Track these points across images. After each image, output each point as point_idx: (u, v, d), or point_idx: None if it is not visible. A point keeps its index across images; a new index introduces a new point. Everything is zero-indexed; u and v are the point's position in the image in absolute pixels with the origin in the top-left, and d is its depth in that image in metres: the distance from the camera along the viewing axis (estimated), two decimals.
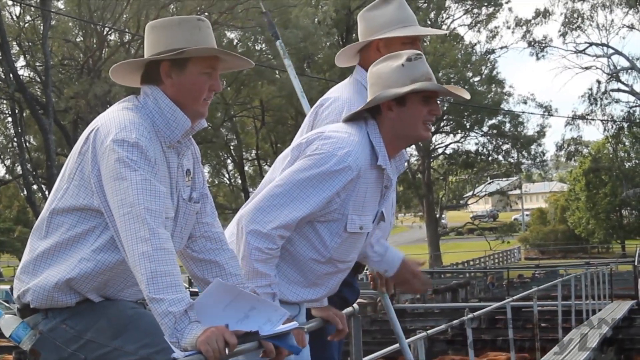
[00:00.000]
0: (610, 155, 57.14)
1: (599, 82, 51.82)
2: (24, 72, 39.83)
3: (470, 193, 56.35)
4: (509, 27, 52.60)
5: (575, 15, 51.21)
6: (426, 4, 48.09)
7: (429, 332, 9.05)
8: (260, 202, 3.27)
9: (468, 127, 49.22)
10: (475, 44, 51.96)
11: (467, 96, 3.68)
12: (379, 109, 3.43)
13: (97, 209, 2.93)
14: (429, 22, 48.24)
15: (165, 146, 3.03)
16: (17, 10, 39.39)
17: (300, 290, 3.44)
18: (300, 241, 3.38)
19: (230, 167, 50.67)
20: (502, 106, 48.48)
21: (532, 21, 51.45)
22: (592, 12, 51.77)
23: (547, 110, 49.61)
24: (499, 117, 48.83)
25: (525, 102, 50.04)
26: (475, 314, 11.48)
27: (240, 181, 47.95)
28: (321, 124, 3.79)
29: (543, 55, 51.58)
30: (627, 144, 56.16)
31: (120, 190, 2.84)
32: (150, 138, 2.95)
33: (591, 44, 52.28)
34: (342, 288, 3.84)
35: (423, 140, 3.56)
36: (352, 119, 3.48)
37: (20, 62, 39.91)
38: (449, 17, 50.79)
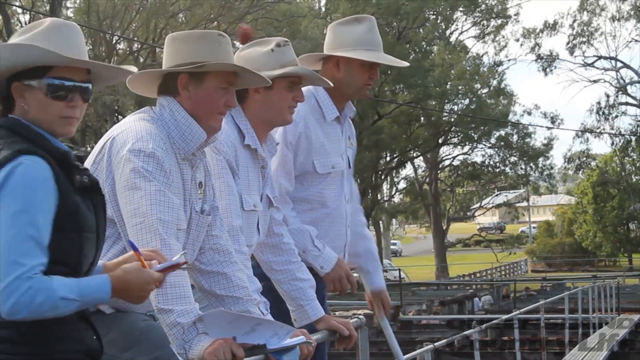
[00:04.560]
0: (618, 169, 56.98)
1: (607, 95, 51.75)
2: None
3: (478, 205, 56.23)
4: (517, 40, 52.38)
5: (584, 28, 51.17)
6: (434, 16, 48.08)
7: (436, 344, 9.05)
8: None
9: (476, 138, 49.12)
10: (483, 55, 51.90)
11: (330, 83, 3.84)
12: (246, 91, 3.57)
13: (110, 219, 2.91)
14: (437, 34, 48.24)
15: (180, 158, 3.04)
16: (26, 18, 39.58)
17: None
18: None
19: None
20: (509, 118, 48.36)
21: (540, 34, 51.43)
22: (600, 25, 51.78)
23: (554, 122, 49.50)
24: (506, 129, 48.70)
25: (529, 113, 50.02)
26: (483, 326, 11.46)
27: None
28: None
29: (551, 71, 51.49)
30: (634, 157, 56.00)
31: (134, 200, 2.85)
32: (166, 149, 2.97)
33: (600, 57, 52.21)
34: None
35: (287, 124, 3.73)
36: None
37: None
38: (457, 29, 50.81)
